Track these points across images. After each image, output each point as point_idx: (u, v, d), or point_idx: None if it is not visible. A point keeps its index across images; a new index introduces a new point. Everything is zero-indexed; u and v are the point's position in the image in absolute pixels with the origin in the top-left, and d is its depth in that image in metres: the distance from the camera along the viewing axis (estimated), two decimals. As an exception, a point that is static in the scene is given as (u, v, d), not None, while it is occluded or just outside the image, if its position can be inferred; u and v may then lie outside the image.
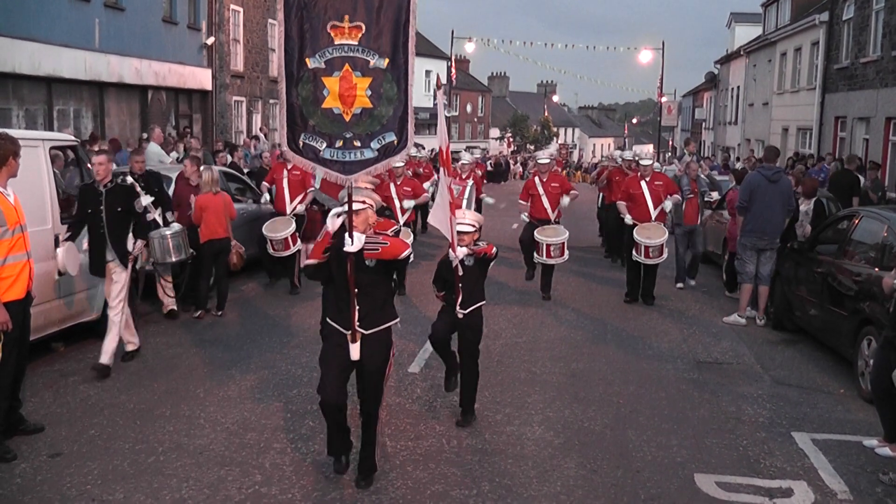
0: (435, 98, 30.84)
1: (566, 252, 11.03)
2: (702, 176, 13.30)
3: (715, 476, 5.53)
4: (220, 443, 5.86)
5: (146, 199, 7.73)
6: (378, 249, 5.04)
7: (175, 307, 9.58)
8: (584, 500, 5.17)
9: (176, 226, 9.07)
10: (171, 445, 5.79)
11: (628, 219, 11.15)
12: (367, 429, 5.25)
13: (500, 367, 7.95)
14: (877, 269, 7.42)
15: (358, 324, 5.07)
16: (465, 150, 17.62)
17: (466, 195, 11.80)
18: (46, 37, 15.04)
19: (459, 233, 6.16)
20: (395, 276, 5.71)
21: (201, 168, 10.08)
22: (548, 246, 10.83)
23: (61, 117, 16.28)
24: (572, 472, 5.56)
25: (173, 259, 8.96)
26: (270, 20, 26.28)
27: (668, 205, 11.09)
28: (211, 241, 9.60)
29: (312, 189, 11.07)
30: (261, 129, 25.07)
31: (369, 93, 4.91)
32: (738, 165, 19.64)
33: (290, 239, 10.78)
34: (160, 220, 8.77)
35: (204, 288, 9.74)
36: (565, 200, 11.27)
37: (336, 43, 4.87)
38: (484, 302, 6.46)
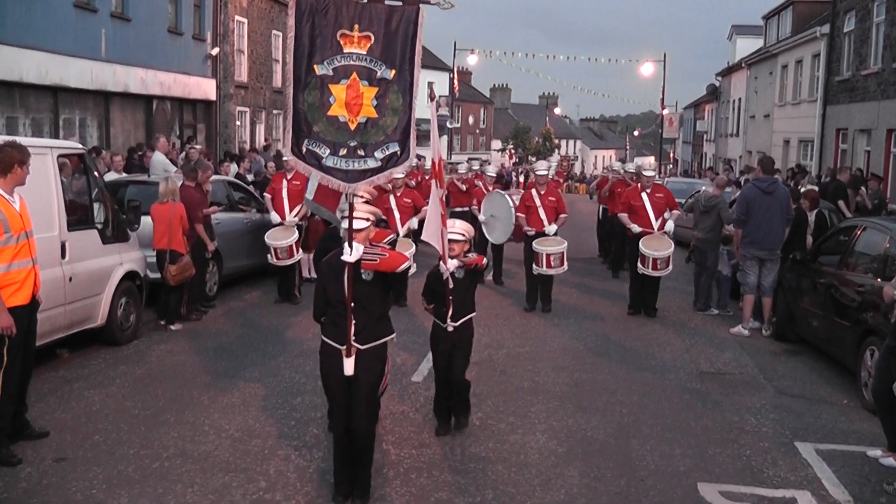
0: (438, 107, 30.93)
1: (566, 263, 10.99)
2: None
3: (718, 485, 5.53)
4: (225, 449, 5.88)
5: None
6: (376, 260, 4.94)
7: None
8: (587, 508, 5.18)
9: None
10: (176, 451, 5.80)
11: (635, 228, 11.05)
12: (361, 447, 5.02)
13: (504, 377, 7.96)
14: (879, 280, 7.45)
15: (354, 338, 4.96)
16: (467, 162, 17.69)
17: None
18: (53, 46, 15.12)
19: (450, 241, 6.09)
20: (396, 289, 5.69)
21: (159, 179, 9.95)
22: (547, 255, 10.75)
23: (67, 126, 16.34)
24: (576, 480, 5.57)
25: None
26: (274, 31, 26.42)
27: (669, 224, 11.08)
28: (161, 252, 9.30)
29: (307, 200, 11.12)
30: (266, 140, 25.16)
31: (375, 103, 4.91)
32: (742, 178, 19.59)
33: (293, 247, 10.79)
34: None
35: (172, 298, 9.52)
36: (552, 228, 10.99)
37: (345, 51, 4.87)
38: (475, 313, 6.44)
